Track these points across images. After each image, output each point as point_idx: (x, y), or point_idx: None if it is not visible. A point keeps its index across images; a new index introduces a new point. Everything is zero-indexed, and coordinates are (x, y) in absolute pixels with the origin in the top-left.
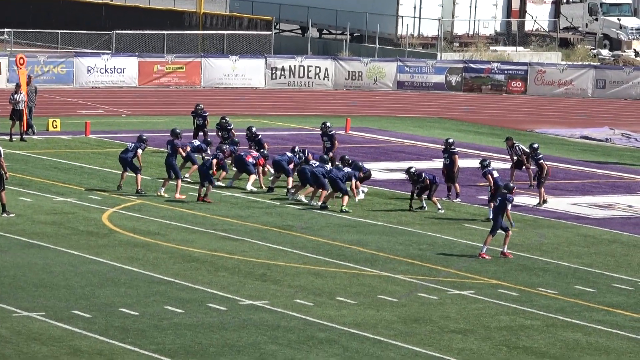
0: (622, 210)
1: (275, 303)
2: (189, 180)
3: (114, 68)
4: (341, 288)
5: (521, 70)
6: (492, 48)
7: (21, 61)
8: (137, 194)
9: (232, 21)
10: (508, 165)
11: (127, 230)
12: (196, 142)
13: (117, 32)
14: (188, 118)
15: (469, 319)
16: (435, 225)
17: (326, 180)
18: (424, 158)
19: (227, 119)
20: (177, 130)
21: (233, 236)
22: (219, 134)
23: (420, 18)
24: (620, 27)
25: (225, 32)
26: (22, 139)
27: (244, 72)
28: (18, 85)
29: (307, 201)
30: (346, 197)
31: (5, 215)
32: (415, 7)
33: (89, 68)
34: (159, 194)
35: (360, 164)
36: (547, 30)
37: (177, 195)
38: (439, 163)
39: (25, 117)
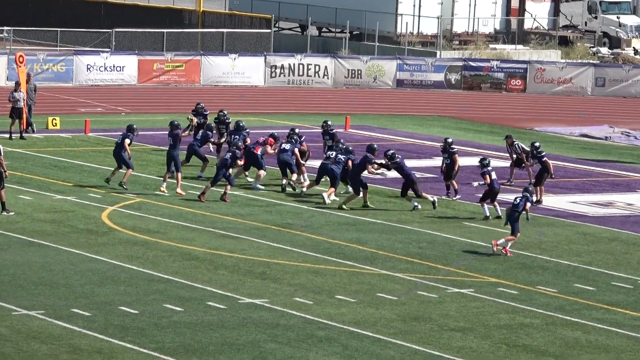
0: (621, 209)
1: (275, 301)
2: (202, 178)
3: (114, 66)
4: (341, 286)
5: (520, 69)
6: (491, 46)
7: (21, 59)
8: (120, 185)
9: (231, 19)
10: (508, 164)
11: (127, 229)
12: (198, 136)
13: (116, 30)
14: (188, 116)
15: (468, 317)
16: (434, 223)
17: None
18: (424, 156)
19: (225, 112)
20: (176, 122)
21: (233, 234)
22: (218, 127)
23: (419, 16)
24: (620, 25)
25: (225, 30)
26: (21, 137)
27: (244, 70)
28: (18, 84)
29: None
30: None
31: (4, 213)
32: (414, 5)
33: (89, 66)
34: (161, 189)
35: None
36: (547, 28)
37: (178, 190)
38: (437, 161)
39: (24, 115)
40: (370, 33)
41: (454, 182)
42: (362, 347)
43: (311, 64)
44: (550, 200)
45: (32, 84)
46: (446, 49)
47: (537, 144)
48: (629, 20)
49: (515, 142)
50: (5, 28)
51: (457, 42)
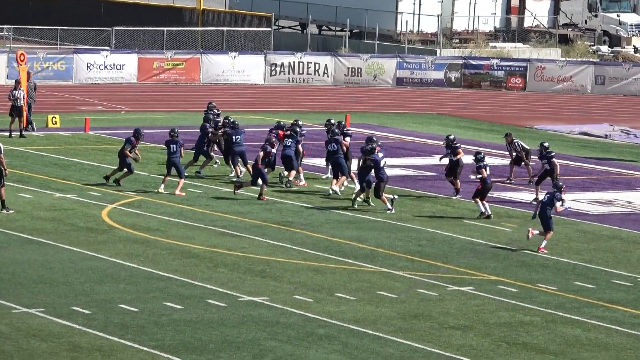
0: (621, 207)
1: (275, 299)
2: (233, 179)
3: (114, 64)
4: (341, 284)
5: (520, 67)
6: (491, 44)
7: (22, 57)
8: (115, 182)
9: (231, 17)
10: (507, 162)
11: (127, 227)
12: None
13: (116, 28)
14: (187, 114)
15: (468, 315)
16: (434, 221)
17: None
18: (424, 154)
19: (214, 103)
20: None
21: (232, 232)
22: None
23: (419, 14)
24: (620, 23)
25: (225, 29)
26: (21, 136)
27: (244, 68)
28: (17, 82)
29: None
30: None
31: (4, 211)
32: (414, 4)
33: (89, 64)
34: (159, 190)
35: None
36: (547, 26)
37: (177, 192)
38: (437, 159)
39: (24, 114)
40: (370, 31)
41: (457, 181)
42: (362, 345)
43: (311, 62)
44: None
45: (32, 82)
46: (446, 47)
47: (546, 144)
48: (629, 18)
49: (515, 140)
50: (6, 26)
51: (457, 41)
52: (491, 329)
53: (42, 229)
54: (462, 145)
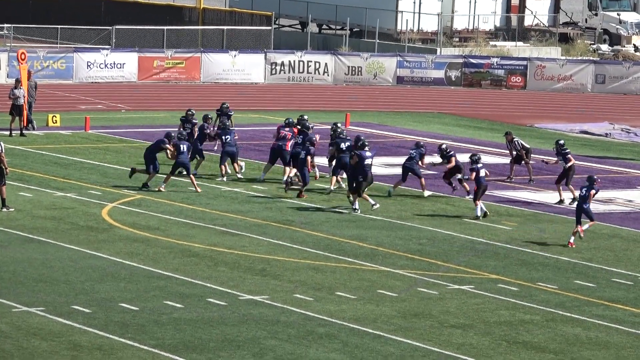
0: (621, 205)
1: (275, 298)
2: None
3: (114, 63)
4: (341, 283)
5: (521, 65)
6: (491, 43)
7: (22, 56)
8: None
9: (231, 16)
10: (508, 160)
11: (127, 225)
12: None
13: (116, 27)
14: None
15: (468, 313)
16: (434, 220)
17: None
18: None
19: (193, 111)
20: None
21: (233, 231)
22: (184, 126)
23: (420, 13)
24: (620, 22)
25: (225, 28)
26: (22, 134)
27: (244, 67)
28: (18, 81)
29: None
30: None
31: (5, 210)
32: (414, 2)
33: (89, 63)
34: (160, 189)
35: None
36: (547, 25)
37: (197, 189)
38: (436, 158)
39: (25, 113)
40: (371, 30)
41: (465, 184)
42: (362, 344)
43: (311, 61)
44: (550, 197)
45: (32, 81)
46: (446, 46)
47: (561, 142)
48: (629, 17)
49: (515, 139)
50: (6, 25)
51: (457, 39)
52: (491, 328)
53: (43, 228)
54: (459, 145)
